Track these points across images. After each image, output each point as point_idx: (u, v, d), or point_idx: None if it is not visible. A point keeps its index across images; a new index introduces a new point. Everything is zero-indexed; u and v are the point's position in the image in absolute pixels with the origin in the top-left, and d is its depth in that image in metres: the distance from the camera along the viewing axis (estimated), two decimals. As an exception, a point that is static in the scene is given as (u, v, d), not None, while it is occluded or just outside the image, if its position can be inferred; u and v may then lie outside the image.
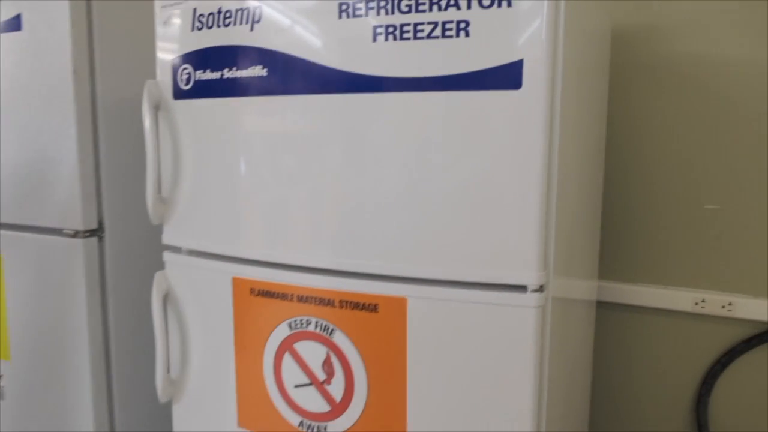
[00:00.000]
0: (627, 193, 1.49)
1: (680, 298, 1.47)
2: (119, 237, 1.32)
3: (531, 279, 0.83)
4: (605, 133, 1.41)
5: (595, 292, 1.47)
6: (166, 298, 1.10)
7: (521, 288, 0.85)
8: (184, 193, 1.05)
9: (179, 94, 1.03)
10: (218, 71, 0.97)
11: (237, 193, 1.00)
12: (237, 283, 1.01)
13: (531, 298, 0.84)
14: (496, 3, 0.79)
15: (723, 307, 1.42)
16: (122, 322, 1.34)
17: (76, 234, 1.28)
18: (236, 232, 1.01)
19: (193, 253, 1.07)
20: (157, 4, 1.03)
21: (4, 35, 1.29)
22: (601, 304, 1.53)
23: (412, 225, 0.87)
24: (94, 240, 1.30)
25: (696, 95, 1.40)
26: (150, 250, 1.35)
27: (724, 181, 1.40)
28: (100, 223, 1.31)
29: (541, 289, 0.84)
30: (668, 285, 1.49)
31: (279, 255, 0.97)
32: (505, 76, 0.80)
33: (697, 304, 1.45)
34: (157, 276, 1.08)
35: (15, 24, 1.29)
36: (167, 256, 1.09)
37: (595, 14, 1.12)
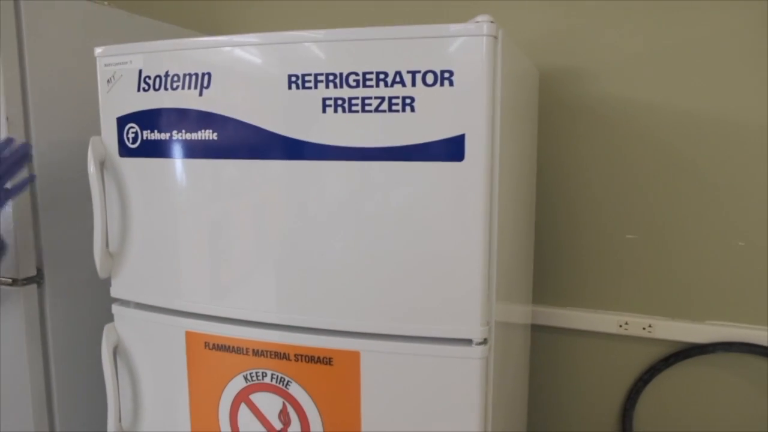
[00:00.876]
0: (556, 224, 1.58)
1: (605, 321, 1.58)
2: (59, 284, 1.31)
3: (475, 333, 0.90)
4: (535, 168, 1.50)
5: (530, 316, 1.56)
6: (116, 351, 1.10)
7: (467, 341, 0.91)
8: (133, 248, 1.06)
9: (126, 152, 1.04)
10: (167, 132, 0.99)
11: (187, 249, 1.02)
12: (191, 336, 1.03)
13: (476, 351, 0.90)
14: (439, 82, 0.85)
15: (644, 328, 1.54)
16: (65, 371, 1.32)
17: (14, 282, 1.26)
18: (187, 287, 1.03)
19: (143, 306, 1.08)
20: (100, 61, 1.03)
21: None
22: (534, 327, 1.62)
23: (362, 283, 0.92)
24: (33, 287, 1.28)
25: (618, 134, 1.51)
26: (92, 296, 1.34)
27: (643, 213, 1.51)
28: (39, 270, 1.29)
29: (485, 341, 0.91)
30: (596, 309, 1.60)
31: (232, 311, 1.00)
32: (449, 149, 0.86)
33: (621, 326, 1.56)
34: (107, 329, 1.09)
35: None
36: (116, 309, 1.10)
37: (528, 69, 1.20)
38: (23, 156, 1.04)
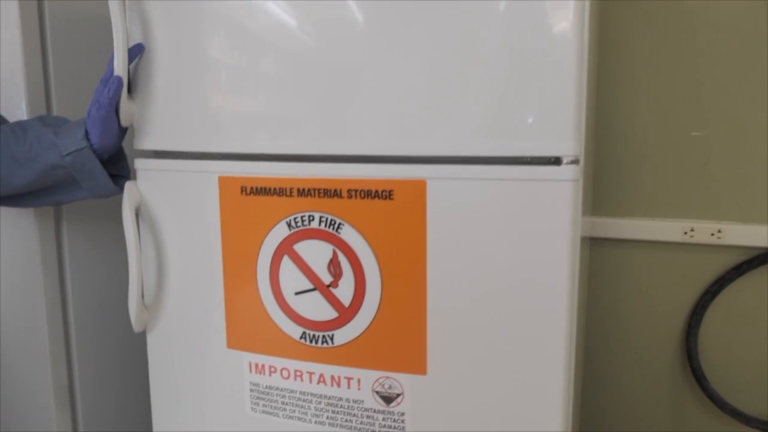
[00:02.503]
0: (611, 123, 1.44)
1: (669, 228, 1.43)
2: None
3: (566, 149, 0.75)
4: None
5: (590, 228, 1.42)
6: (138, 213, 0.96)
7: (555, 160, 0.76)
8: (156, 89, 0.92)
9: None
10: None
11: (217, 77, 0.88)
12: (225, 182, 0.89)
13: (566, 171, 0.76)
14: None
15: (712, 234, 1.39)
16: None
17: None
18: (219, 125, 0.89)
19: (168, 155, 0.94)
20: None
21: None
22: (594, 240, 1.48)
23: (429, 94, 0.77)
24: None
25: (681, 20, 1.36)
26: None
27: (711, 106, 1.37)
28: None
29: (576, 161, 0.76)
30: (656, 216, 1.45)
31: (273, 144, 0.86)
32: None
33: (686, 233, 1.41)
34: (128, 186, 0.95)
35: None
36: (139, 162, 0.96)
37: None
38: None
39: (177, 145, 0.92)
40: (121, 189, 0.95)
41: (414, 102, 0.78)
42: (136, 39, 0.92)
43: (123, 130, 0.93)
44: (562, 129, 0.75)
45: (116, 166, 0.96)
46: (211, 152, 0.90)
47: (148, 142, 0.94)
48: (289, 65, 0.83)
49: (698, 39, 1.35)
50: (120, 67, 0.87)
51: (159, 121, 0.92)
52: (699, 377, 1.42)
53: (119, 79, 0.87)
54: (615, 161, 1.47)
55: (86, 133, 0.88)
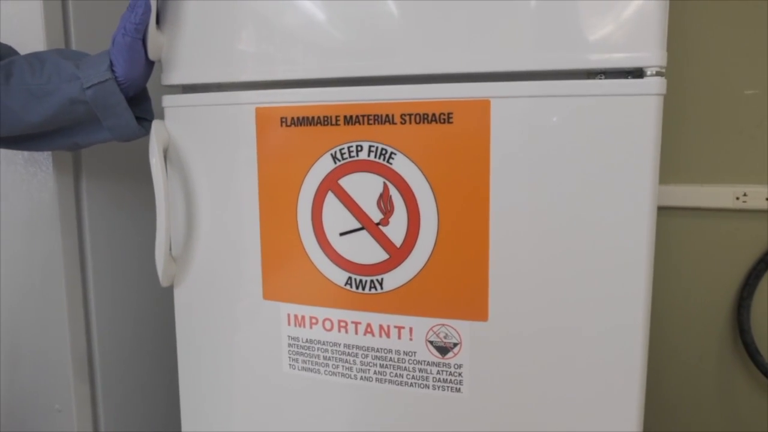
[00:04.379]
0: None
1: (720, 194, 1.34)
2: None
3: (651, 60, 0.67)
4: None
5: None
6: (165, 156, 0.88)
7: (637, 72, 0.68)
8: (186, 16, 0.84)
9: None
10: None
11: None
12: (262, 113, 0.81)
13: (651, 84, 0.67)
14: None
15: (767, 199, 1.30)
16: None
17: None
18: (255, 50, 0.81)
19: (199, 88, 0.86)
20: None
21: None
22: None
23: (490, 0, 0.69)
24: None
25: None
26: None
27: (766, 64, 1.28)
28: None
29: (662, 72, 0.67)
30: (705, 182, 1.36)
31: (316, 67, 0.77)
32: None
33: (738, 198, 1.33)
34: (155, 125, 0.87)
35: None
36: (167, 100, 0.88)
37: None
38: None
39: (209, 77, 0.84)
40: (145, 131, 0.86)
41: (472, 10, 0.70)
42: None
43: (150, 64, 0.85)
44: (644, 35, 0.66)
45: (140, 107, 0.88)
46: (247, 81, 0.82)
47: (177, 76, 0.86)
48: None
49: None
50: None
51: (189, 51, 0.85)
52: (751, 351, 1.33)
53: (147, 3, 0.79)
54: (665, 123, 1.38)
55: (110, 64, 0.80)
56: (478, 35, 0.70)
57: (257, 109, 0.81)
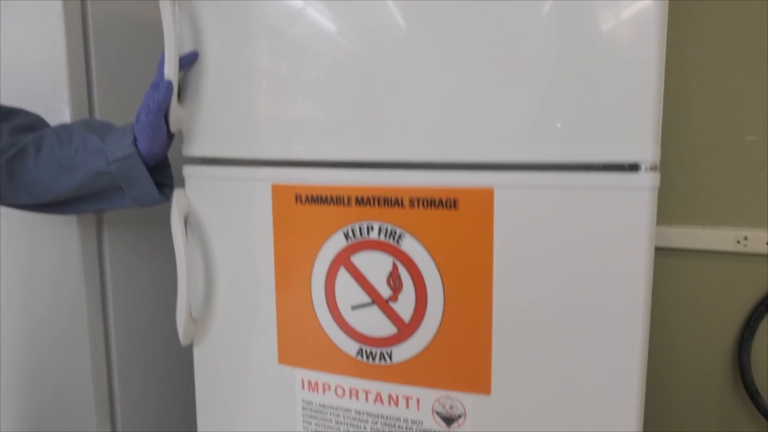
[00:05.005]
0: (665, 128, 1.38)
1: (721, 237, 1.37)
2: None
3: (645, 154, 0.71)
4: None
5: None
6: (186, 222, 0.93)
7: (632, 167, 0.72)
8: (207, 94, 0.89)
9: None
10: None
11: (271, 80, 0.84)
12: (278, 190, 0.85)
13: (646, 178, 0.71)
14: None
15: (767, 243, 1.33)
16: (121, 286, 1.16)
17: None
18: (272, 130, 0.86)
19: (218, 161, 0.90)
20: None
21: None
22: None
23: (496, 96, 0.73)
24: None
25: (736, 22, 1.31)
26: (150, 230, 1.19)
27: (766, 110, 1.31)
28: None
29: (655, 167, 0.71)
30: (707, 224, 1.39)
31: (330, 150, 0.82)
32: None
33: (739, 242, 1.36)
34: (177, 194, 0.92)
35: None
36: (187, 170, 0.93)
37: None
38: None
39: (228, 152, 0.89)
40: (166, 198, 0.91)
41: (480, 104, 0.74)
42: (187, 42, 0.89)
43: (170, 137, 0.90)
44: (640, 133, 0.70)
45: (161, 174, 0.93)
46: (264, 159, 0.86)
47: (197, 149, 0.91)
48: (346, 68, 0.80)
49: (754, 40, 1.30)
50: (171, 72, 0.84)
51: (209, 126, 0.89)
52: (752, 393, 1.36)
53: (169, 84, 0.84)
54: (664, 165, 1.42)
55: (134, 139, 0.85)
56: (483, 128, 0.75)
57: (273, 186, 0.86)
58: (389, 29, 0.77)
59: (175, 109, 0.88)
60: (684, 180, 1.40)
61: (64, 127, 0.91)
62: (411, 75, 0.77)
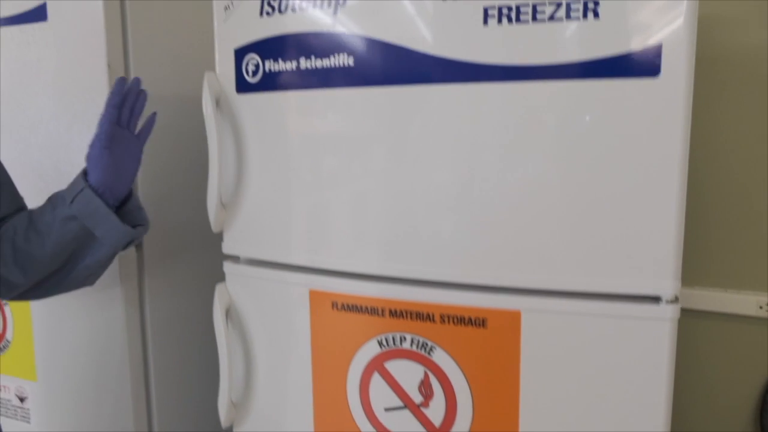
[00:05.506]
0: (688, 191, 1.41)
1: (743, 302, 1.39)
2: (157, 253, 1.21)
3: (666, 289, 0.75)
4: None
5: None
6: (228, 314, 0.99)
7: (654, 299, 0.76)
8: (249, 197, 0.95)
9: (244, 86, 0.92)
10: (293, 61, 0.87)
11: (314, 196, 0.90)
12: (315, 296, 0.91)
13: (667, 311, 0.75)
14: (631, -20, 0.70)
15: (789, 310, 1.35)
16: (161, 336, 1.22)
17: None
18: (313, 240, 0.91)
19: (259, 263, 0.96)
20: (218, -12, 0.92)
21: (28, 26, 1.17)
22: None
23: (527, 228, 0.78)
24: (131, 250, 1.18)
25: (758, 94, 1.33)
26: (191, 264, 1.24)
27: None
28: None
29: (676, 299, 0.75)
30: (729, 288, 1.41)
31: (365, 265, 0.87)
32: (641, 63, 0.72)
33: (761, 307, 1.38)
34: (218, 289, 0.98)
35: (39, 14, 1.17)
36: (228, 266, 0.99)
37: None
38: (139, 93, 0.93)
39: (267, 255, 0.94)
40: (137, 234, 0.93)
41: (510, 234, 0.79)
42: (229, 147, 0.95)
43: (126, 174, 0.91)
44: (662, 268, 0.74)
45: (135, 216, 0.95)
46: (301, 265, 0.92)
47: (238, 249, 0.97)
48: (385, 189, 0.85)
49: None
50: (214, 176, 0.92)
51: (249, 230, 0.95)
52: (774, 454, 1.38)
53: (109, 116, 0.88)
54: (688, 228, 1.44)
55: (85, 175, 0.89)
56: (513, 255, 0.79)
57: (311, 291, 0.91)
58: (424, 158, 0.82)
59: (217, 208, 0.94)
60: (709, 244, 1.42)
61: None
62: (445, 202, 0.82)
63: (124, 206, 0.93)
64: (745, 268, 1.39)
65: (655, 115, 0.72)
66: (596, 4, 0.72)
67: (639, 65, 0.72)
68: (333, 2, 0.84)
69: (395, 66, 0.81)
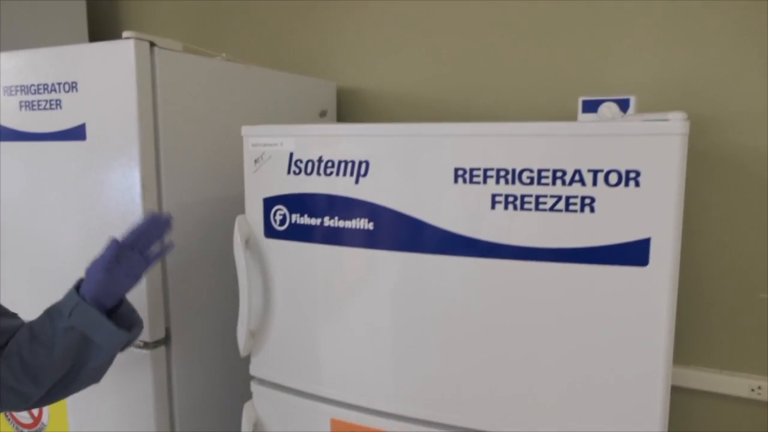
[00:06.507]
0: (682, 275, 1.49)
1: (736, 384, 1.47)
2: (187, 344, 1.31)
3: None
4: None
5: None
6: (254, 428, 1.09)
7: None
8: (274, 329, 1.04)
9: (271, 233, 1.01)
10: (318, 218, 0.96)
11: (335, 337, 0.99)
12: (336, 425, 1.00)
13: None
14: (623, 182, 0.79)
15: (780, 394, 1.43)
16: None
17: (145, 345, 1.26)
18: (333, 375, 1.00)
19: (284, 389, 1.05)
20: (247, 141, 1.01)
21: (67, 143, 1.27)
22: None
23: (521, 375, 0.87)
24: (161, 349, 1.28)
25: (750, 187, 1.41)
26: (219, 356, 1.34)
27: (780, 271, 1.41)
28: (167, 331, 1.29)
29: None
30: (725, 369, 1.49)
31: (382, 404, 0.96)
32: (631, 253, 0.80)
33: (753, 390, 1.45)
34: (246, 407, 1.07)
35: (79, 133, 1.26)
36: (255, 387, 1.08)
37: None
38: (165, 227, 1.02)
39: (291, 383, 1.04)
40: (135, 336, 1.01)
41: (510, 387, 0.88)
42: (257, 281, 1.04)
43: (121, 286, 0.97)
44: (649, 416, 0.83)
45: (127, 318, 1.02)
46: (323, 397, 1.01)
47: (264, 373, 1.07)
48: (399, 340, 0.95)
49: (762, 209, 1.40)
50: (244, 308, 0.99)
51: (275, 357, 1.05)
52: None
53: (114, 244, 0.96)
54: (683, 310, 1.52)
55: (77, 290, 0.96)
56: (513, 404, 0.88)
57: (332, 420, 1.01)
58: (439, 320, 0.91)
59: (246, 335, 1.04)
60: (705, 325, 1.50)
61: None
62: (450, 350, 0.91)
63: (118, 310, 1.01)
64: (739, 351, 1.47)
65: (642, 300, 0.81)
66: (593, 200, 0.81)
67: (629, 255, 0.80)
68: (355, 172, 0.92)
69: (409, 235, 0.90)
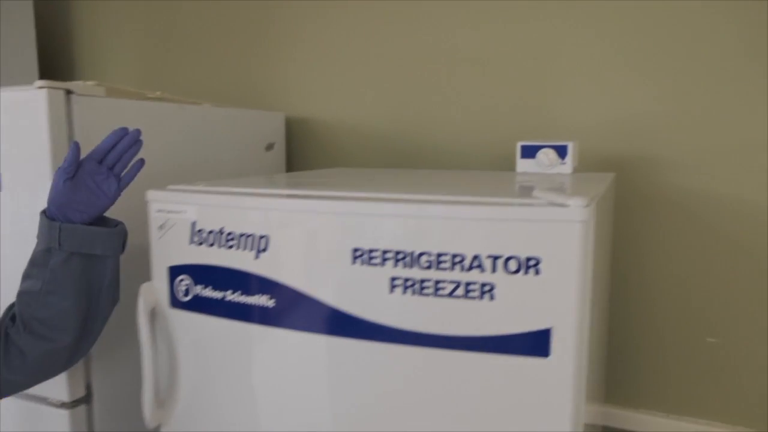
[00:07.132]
0: (632, 321, 1.47)
1: (683, 428, 1.46)
2: (108, 402, 1.26)
3: None
4: (610, 266, 1.38)
5: (601, 417, 1.45)
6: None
7: None
8: (183, 401, 1.00)
9: (177, 303, 0.97)
10: (220, 291, 0.92)
11: (244, 411, 0.95)
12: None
13: None
14: (523, 269, 0.75)
15: (730, 438, 1.41)
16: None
17: (63, 404, 1.21)
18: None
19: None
20: (152, 206, 0.97)
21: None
22: (606, 430, 1.51)
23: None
24: (82, 408, 1.23)
25: (695, 229, 1.39)
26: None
27: (725, 316, 1.39)
28: (88, 389, 1.24)
29: None
30: (671, 414, 1.48)
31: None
32: (532, 343, 0.77)
33: (699, 434, 1.43)
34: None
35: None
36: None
37: (610, 197, 1.08)
38: (134, 144, 0.96)
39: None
40: (124, 229, 0.98)
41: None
42: (164, 350, 1.01)
43: (91, 204, 0.94)
44: None
45: (106, 221, 0.99)
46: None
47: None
48: (298, 420, 0.90)
49: (712, 248, 1.39)
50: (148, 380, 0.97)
51: (186, 426, 1.00)
52: None
53: (73, 149, 0.91)
54: (633, 355, 1.50)
55: (45, 215, 0.93)
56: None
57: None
58: (338, 407, 0.87)
59: (153, 407, 0.99)
60: (654, 370, 1.48)
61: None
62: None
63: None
64: (687, 395, 1.45)
65: (544, 392, 0.77)
66: (492, 287, 0.77)
67: (529, 346, 0.76)
68: (255, 247, 0.88)
69: (308, 314, 0.86)
